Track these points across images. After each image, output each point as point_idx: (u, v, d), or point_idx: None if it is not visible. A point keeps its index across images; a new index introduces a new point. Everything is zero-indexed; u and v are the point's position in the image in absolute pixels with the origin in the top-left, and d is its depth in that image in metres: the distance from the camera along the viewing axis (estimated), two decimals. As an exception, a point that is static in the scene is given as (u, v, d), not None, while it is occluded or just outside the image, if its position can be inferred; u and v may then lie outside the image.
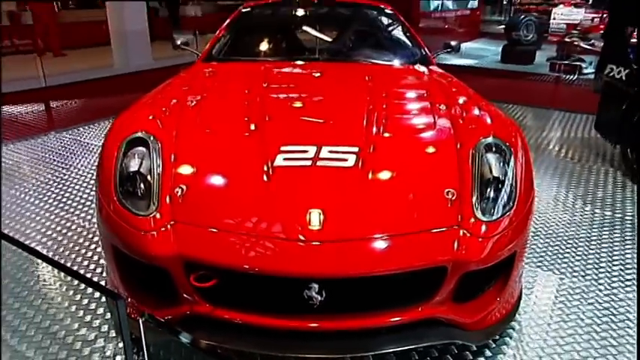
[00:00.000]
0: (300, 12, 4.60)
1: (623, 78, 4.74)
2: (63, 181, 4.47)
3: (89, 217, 3.79)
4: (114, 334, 2.54)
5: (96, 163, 2.59)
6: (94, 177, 4.09)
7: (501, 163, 2.33)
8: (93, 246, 3.37)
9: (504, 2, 21.86)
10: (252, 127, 2.56)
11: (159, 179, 2.23)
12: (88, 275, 3.05)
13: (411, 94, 3.26)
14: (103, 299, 2.77)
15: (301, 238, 1.99)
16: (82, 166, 4.87)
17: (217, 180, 2.31)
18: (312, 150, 2.35)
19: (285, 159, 2.30)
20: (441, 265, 2.03)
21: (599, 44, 10.01)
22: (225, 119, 2.72)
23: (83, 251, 3.32)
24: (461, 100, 2.94)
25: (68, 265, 3.13)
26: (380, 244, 2.02)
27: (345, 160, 2.30)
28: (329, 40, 4.28)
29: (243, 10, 4.48)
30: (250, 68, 3.63)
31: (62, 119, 6.74)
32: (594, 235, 3.61)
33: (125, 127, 2.54)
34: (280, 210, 2.09)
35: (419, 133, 2.65)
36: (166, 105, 2.78)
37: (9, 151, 5.27)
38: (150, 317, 1.92)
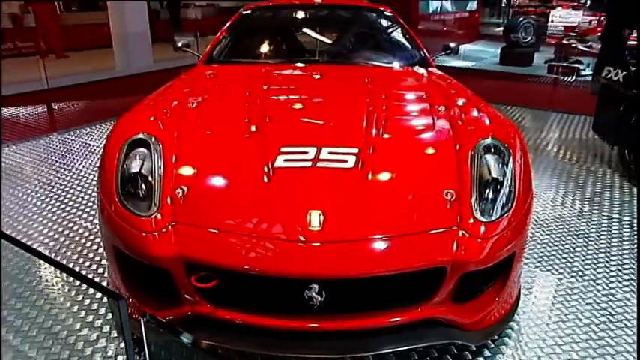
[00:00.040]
0: (300, 14, 4.61)
1: (621, 80, 4.74)
2: (65, 182, 4.47)
3: (91, 217, 3.79)
4: (115, 334, 2.53)
5: (98, 165, 2.58)
6: (95, 178, 4.09)
7: (500, 165, 2.32)
8: (94, 247, 3.37)
9: (503, 5, 21.86)
10: (253, 128, 2.56)
11: (160, 180, 2.23)
12: (90, 276, 3.05)
13: (411, 95, 3.26)
14: (105, 299, 2.76)
15: (301, 238, 1.98)
16: (83, 167, 4.87)
17: (218, 181, 2.30)
18: (312, 151, 2.34)
19: (285, 160, 2.30)
20: (441, 265, 2.03)
21: (597, 46, 10.02)
22: (226, 121, 2.71)
23: (85, 252, 3.32)
24: (460, 102, 2.94)
25: (70, 265, 3.13)
26: (380, 245, 2.02)
27: (345, 161, 2.29)
28: (329, 42, 4.29)
29: (244, 13, 4.48)
30: (251, 70, 3.63)
31: (64, 121, 6.74)
32: (592, 236, 3.61)
33: (127, 128, 2.54)
34: (280, 211, 2.09)
35: (418, 135, 2.65)
36: (167, 107, 2.78)
37: (12, 152, 5.28)
38: (151, 317, 1.92)
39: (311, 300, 1.95)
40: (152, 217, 2.12)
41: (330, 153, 2.34)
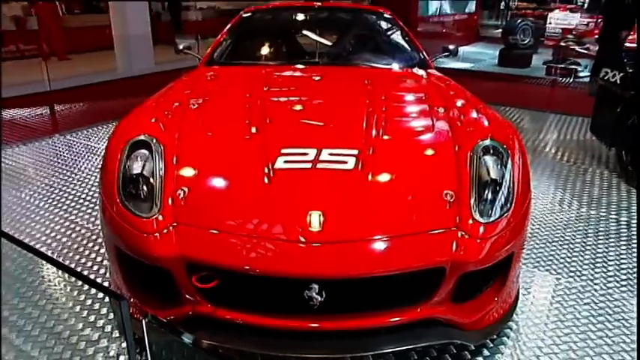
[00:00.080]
0: (300, 17, 4.60)
1: (618, 81, 4.74)
2: (67, 184, 4.47)
3: (93, 218, 3.79)
4: (117, 334, 2.53)
5: (99, 166, 2.58)
6: (97, 179, 4.09)
7: (499, 166, 2.32)
8: (96, 247, 3.37)
9: (501, 7, 21.86)
10: (253, 130, 2.56)
11: (161, 181, 2.23)
12: (92, 276, 3.05)
13: (410, 97, 3.26)
14: (107, 300, 2.76)
15: (301, 239, 1.98)
16: (85, 168, 4.87)
17: (219, 182, 2.30)
18: (312, 152, 2.34)
19: (285, 161, 2.30)
20: (440, 265, 2.03)
21: (594, 48, 10.02)
22: (227, 122, 2.71)
23: (87, 252, 3.32)
24: (459, 103, 2.94)
25: (72, 266, 3.13)
26: (379, 246, 2.02)
27: (345, 162, 2.29)
28: (329, 44, 4.28)
29: (244, 15, 4.48)
30: (251, 72, 3.63)
31: (66, 122, 6.73)
32: (590, 236, 3.61)
33: (128, 130, 2.53)
34: (281, 212, 2.08)
35: (417, 136, 2.65)
36: (169, 108, 2.78)
37: (14, 154, 5.27)
38: (152, 317, 1.92)
39: (311, 300, 1.95)
40: (153, 217, 2.12)
41: (330, 154, 2.34)
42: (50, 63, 9.57)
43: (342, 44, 4.28)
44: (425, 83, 3.49)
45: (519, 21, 12.90)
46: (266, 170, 2.24)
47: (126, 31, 9.91)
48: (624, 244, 3.50)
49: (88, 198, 4.16)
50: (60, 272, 3.06)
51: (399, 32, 4.31)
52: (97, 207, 3.90)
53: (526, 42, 12.49)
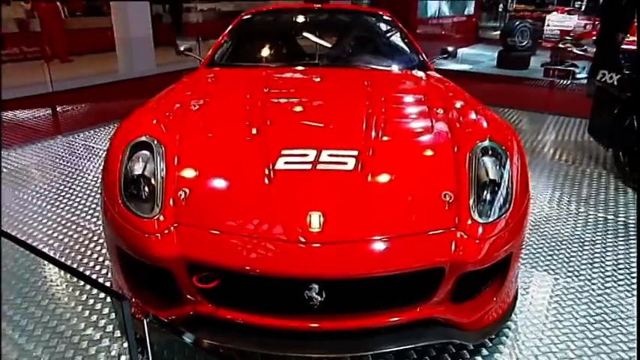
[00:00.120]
0: (301, 19, 4.61)
1: (615, 83, 4.74)
2: (69, 184, 4.47)
3: (94, 219, 3.79)
4: (119, 334, 2.53)
5: (101, 167, 2.58)
6: (99, 180, 4.09)
7: (497, 166, 2.32)
8: (98, 247, 3.37)
9: (500, 9, 21.87)
10: (254, 131, 2.55)
11: (162, 182, 2.23)
12: (94, 276, 3.05)
13: (409, 98, 3.26)
14: (108, 299, 2.76)
15: (302, 240, 1.98)
16: (87, 169, 4.87)
17: (219, 183, 2.30)
18: (312, 154, 2.34)
19: (285, 162, 2.29)
20: (439, 266, 2.03)
21: (592, 50, 10.03)
22: (228, 123, 2.71)
23: (88, 252, 3.32)
24: (458, 105, 2.94)
25: (74, 266, 3.13)
26: (379, 246, 2.02)
27: (345, 163, 2.29)
28: (329, 46, 4.28)
29: (245, 17, 4.48)
30: (252, 73, 3.62)
31: (69, 123, 6.73)
32: (588, 236, 3.61)
33: (130, 131, 2.53)
34: (281, 212, 2.08)
35: (417, 137, 2.65)
36: (170, 110, 2.77)
37: (17, 155, 5.27)
38: (154, 317, 1.91)
39: (311, 300, 1.95)
40: (155, 218, 2.12)
41: (330, 155, 2.34)
42: (52, 65, 9.56)
43: (341, 46, 4.28)
44: (424, 85, 3.49)
45: (517, 23, 12.90)
46: (266, 171, 2.24)
47: (127, 33, 9.91)
48: (622, 245, 3.50)
49: (90, 199, 4.16)
50: (62, 272, 3.05)
51: (398, 34, 4.31)
52: (98, 207, 3.90)
53: (524, 44, 12.50)
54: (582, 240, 3.55)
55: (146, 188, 2.24)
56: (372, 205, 2.13)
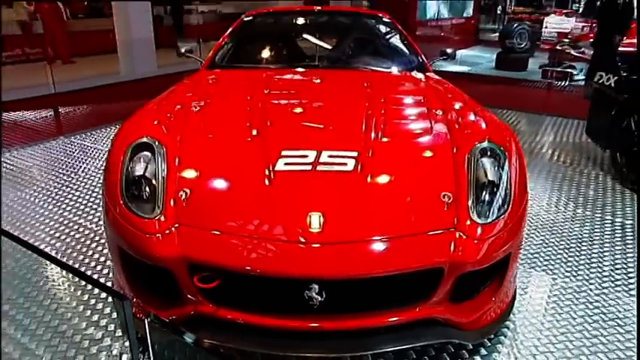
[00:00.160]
0: (301, 21, 4.61)
1: (612, 85, 4.74)
2: (71, 185, 4.47)
3: (96, 219, 3.79)
4: (120, 334, 2.53)
5: (103, 167, 2.58)
6: (100, 181, 4.09)
7: (496, 167, 2.32)
8: (100, 248, 3.36)
9: (498, 11, 21.87)
10: (254, 132, 2.55)
11: (163, 183, 2.23)
12: (95, 276, 3.05)
13: (409, 100, 3.26)
14: (110, 299, 2.76)
15: (302, 240, 1.98)
16: (89, 170, 4.87)
17: (220, 184, 2.30)
18: (312, 155, 2.34)
19: (286, 163, 2.29)
20: (438, 266, 2.03)
21: (589, 52, 10.03)
22: (228, 124, 2.71)
23: (90, 253, 3.31)
24: (457, 106, 2.93)
25: (76, 266, 3.13)
26: (378, 246, 2.01)
27: (345, 164, 2.29)
28: (329, 47, 4.28)
29: (245, 19, 4.48)
30: (252, 75, 3.62)
31: (71, 124, 6.73)
32: (585, 236, 3.60)
33: (131, 132, 2.53)
34: (281, 213, 2.08)
35: (416, 138, 2.65)
36: (171, 111, 2.77)
37: (19, 156, 5.27)
38: (155, 317, 1.91)
39: (311, 300, 1.94)
40: (156, 218, 2.12)
41: (330, 156, 2.33)
42: (54, 66, 9.57)
43: (341, 48, 4.28)
44: (423, 86, 3.49)
45: (516, 25, 12.92)
46: (267, 172, 2.24)
47: (129, 35, 9.92)
48: (619, 245, 3.49)
49: (92, 199, 4.16)
50: (64, 272, 3.05)
51: (397, 36, 4.31)
52: (100, 208, 3.90)
53: (523, 46, 12.51)
54: (580, 240, 3.55)
55: (147, 189, 2.23)
56: (372, 205, 2.13)
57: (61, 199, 4.16)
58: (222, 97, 3.14)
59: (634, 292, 2.94)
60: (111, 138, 2.67)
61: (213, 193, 2.26)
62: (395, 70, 3.82)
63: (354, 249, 1.99)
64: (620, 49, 6.00)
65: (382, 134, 2.54)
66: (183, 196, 2.17)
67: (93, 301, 2.77)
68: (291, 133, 2.61)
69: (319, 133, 2.64)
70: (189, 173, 2.29)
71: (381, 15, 4.65)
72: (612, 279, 3.07)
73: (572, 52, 10.66)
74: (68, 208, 3.98)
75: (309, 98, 3.16)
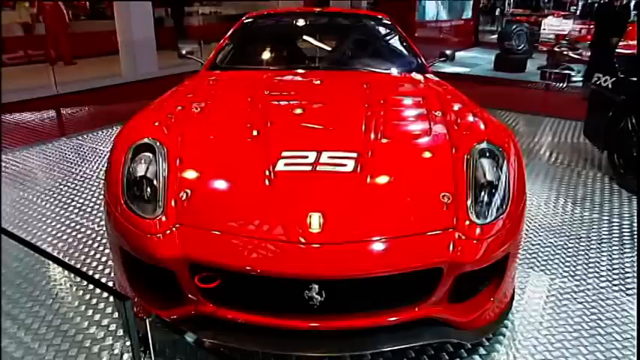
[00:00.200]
0: (301, 22, 4.61)
1: (610, 86, 4.74)
2: (73, 185, 4.46)
3: (98, 219, 3.78)
4: (121, 333, 2.52)
5: (104, 168, 2.58)
6: (102, 181, 4.09)
7: (495, 168, 2.32)
8: (101, 248, 3.36)
9: (497, 13, 21.88)
10: (255, 133, 2.55)
11: (165, 183, 2.22)
12: (97, 276, 3.04)
13: (408, 101, 3.25)
14: (112, 299, 2.75)
15: (302, 240, 1.98)
16: (90, 170, 4.87)
17: (221, 184, 2.30)
18: (312, 155, 2.34)
19: (286, 164, 2.29)
20: (437, 266, 2.02)
21: (587, 53, 10.04)
22: (229, 125, 2.71)
23: (92, 253, 3.31)
24: (456, 107, 2.93)
25: (78, 266, 3.13)
26: (378, 247, 2.01)
27: (345, 165, 2.29)
28: (328, 49, 4.28)
29: (246, 21, 4.48)
30: (252, 76, 3.62)
31: (73, 125, 6.74)
32: (583, 237, 3.60)
33: (132, 133, 2.53)
34: (281, 213, 2.08)
35: (415, 139, 2.65)
36: (172, 112, 2.77)
37: (22, 156, 5.27)
38: (156, 317, 1.91)
39: (311, 300, 1.94)
40: (157, 219, 2.12)
41: (330, 157, 2.33)
42: (57, 68, 9.56)
43: (341, 49, 4.28)
44: (422, 87, 3.49)
45: (514, 27, 12.93)
46: (267, 172, 2.24)
47: (130, 37, 9.92)
48: (616, 245, 3.49)
49: (94, 199, 4.16)
50: (66, 272, 3.05)
51: (397, 37, 4.31)
52: (101, 208, 3.89)
53: (521, 47, 12.53)
54: (578, 240, 3.55)
55: (148, 189, 2.23)
56: (371, 206, 2.13)
57: (63, 199, 4.16)
58: (223, 98, 3.14)
59: (630, 292, 2.94)
60: (112, 139, 2.67)
61: (214, 194, 2.26)
62: (394, 71, 3.82)
63: (354, 249, 1.99)
64: (617, 50, 6.01)
65: (382, 135, 2.54)
66: (184, 197, 2.17)
67: (94, 301, 2.77)
68: (292, 133, 2.61)
69: (319, 133, 2.64)
70: (190, 174, 2.29)
71: (380, 16, 4.65)
72: (609, 279, 3.07)
73: (570, 53, 10.68)
74: (70, 209, 3.98)
75: (309, 99, 3.16)
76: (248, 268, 1.95)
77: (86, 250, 3.35)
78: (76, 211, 3.94)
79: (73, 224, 3.71)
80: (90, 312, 2.69)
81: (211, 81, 3.54)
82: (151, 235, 2.07)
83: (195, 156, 2.39)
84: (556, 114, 7.17)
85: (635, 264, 3.24)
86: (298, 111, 2.97)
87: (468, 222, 2.11)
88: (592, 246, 3.48)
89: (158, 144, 2.38)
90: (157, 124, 2.61)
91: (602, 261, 3.28)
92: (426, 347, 2.42)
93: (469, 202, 2.17)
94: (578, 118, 6.17)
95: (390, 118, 2.78)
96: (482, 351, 2.44)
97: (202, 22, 16.78)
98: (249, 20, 4.49)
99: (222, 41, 4.20)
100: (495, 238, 2.13)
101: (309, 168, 2.27)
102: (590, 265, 3.23)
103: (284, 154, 2.35)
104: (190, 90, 3.27)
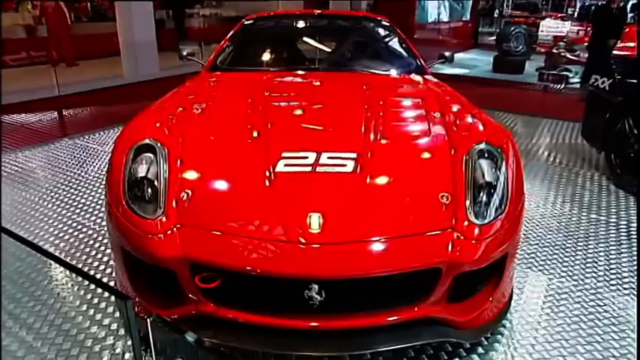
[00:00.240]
0: (301, 24, 4.61)
1: (607, 88, 4.74)
2: (75, 186, 4.46)
3: (99, 220, 3.78)
4: (123, 332, 2.52)
5: (106, 169, 2.58)
6: (103, 182, 4.08)
7: (493, 169, 2.31)
8: (103, 248, 3.36)
9: (495, 15, 21.88)
10: (255, 134, 2.55)
11: (165, 184, 2.22)
12: (98, 276, 3.04)
13: (407, 102, 3.25)
14: (113, 299, 2.75)
15: (302, 240, 1.97)
16: (92, 171, 4.86)
17: (221, 185, 2.29)
18: (312, 156, 2.34)
19: (286, 165, 2.29)
20: (436, 266, 2.02)
21: (585, 55, 10.05)
22: (229, 126, 2.71)
23: (93, 253, 3.31)
24: (454, 108, 2.93)
25: (79, 266, 3.12)
26: (377, 247, 2.01)
27: (344, 165, 2.28)
28: (328, 50, 4.28)
29: (246, 23, 4.48)
30: (253, 77, 3.62)
31: (74, 126, 6.73)
32: (581, 237, 3.60)
33: (133, 134, 2.53)
34: (281, 214, 2.08)
35: (414, 140, 2.64)
36: (173, 113, 2.77)
37: (24, 157, 5.26)
38: (157, 316, 1.91)
39: (311, 300, 1.94)
40: (158, 219, 2.11)
41: (330, 158, 2.33)
42: (59, 69, 9.56)
43: (341, 51, 4.28)
44: (421, 89, 3.48)
45: (513, 29, 12.94)
46: (267, 173, 2.24)
47: (132, 38, 9.91)
48: (613, 245, 3.49)
49: (95, 200, 4.15)
50: (68, 272, 3.05)
51: (396, 39, 4.31)
52: (103, 209, 3.89)
53: (519, 49, 12.54)
54: (575, 241, 3.55)
55: (149, 190, 2.23)
56: (371, 206, 2.13)
57: (65, 199, 4.16)
58: (224, 100, 3.14)
59: (627, 292, 2.94)
60: (114, 139, 2.67)
61: (215, 194, 2.25)
62: (393, 72, 3.82)
63: (354, 249, 1.99)
64: (614, 52, 6.02)
65: (381, 136, 2.54)
66: (185, 197, 2.17)
67: (96, 300, 2.77)
68: (291, 134, 2.61)
69: (319, 134, 2.64)
70: (191, 174, 2.28)
71: (379, 18, 4.65)
72: (606, 279, 3.07)
73: (568, 55, 10.69)
74: (72, 209, 3.97)
75: (308, 100, 3.16)
76: (248, 268, 1.95)
77: (88, 250, 3.35)
78: (77, 211, 3.94)
79: (74, 224, 3.71)
80: (91, 311, 2.69)
81: (212, 82, 3.54)
82: (151, 236, 2.07)
83: (195, 157, 2.39)
84: (554, 115, 7.17)
85: (633, 263, 3.24)
86: (298, 112, 2.97)
87: (466, 222, 2.11)
88: (590, 246, 3.48)
89: (159, 145, 2.38)
90: (158, 125, 2.61)
91: (600, 261, 3.28)
92: (425, 347, 2.42)
93: (468, 202, 2.17)
94: (576, 119, 6.16)
95: (389, 119, 2.78)
96: (480, 350, 2.43)
97: (203, 24, 16.77)
98: (250, 22, 4.49)
99: (222, 43, 4.19)
100: (494, 238, 2.12)
101: (308, 169, 2.27)
102: (588, 264, 3.23)
103: (284, 154, 2.35)
104: (191, 91, 3.27)
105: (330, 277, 1.95)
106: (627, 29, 7.40)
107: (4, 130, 6.23)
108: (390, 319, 2.06)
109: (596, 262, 3.25)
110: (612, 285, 3.01)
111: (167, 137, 2.46)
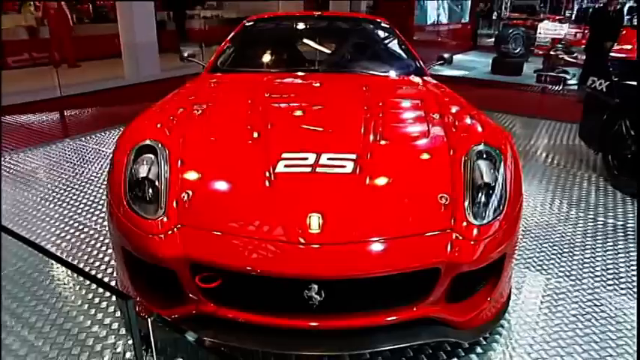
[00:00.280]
0: (301, 26, 4.60)
1: (604, 89, 4.75)
2: (76, 186, 4.46)
3: (100, 220, 3.78)
4: (124, 332, 2.52)
5: (107, 169, 2.58)
6: (105, 182, 4.08)
7: (492, 170, 2.31)
8: (104, 248, 3.36)
9: (494, 17, 21.89)
10: (255, 134, 2.55)
11: (166, 184, 2.22)
12: (99, 275, 3.04)
13: (406, 103, 3.25)
14: (114, 298, 2.75)
15: (301, 240, 1.97)
16: (93, 171, 4.86)
17: (222, 185, 2.29)
18: (311, 157, 2.33)
19: (286, 165, 2.29)
20: (435, 266, 2.02)
21: (582, 57, 10.07)
22: (229, 127, 2.70)
23: (95, 253, 3.30)
24: (453, 110, 2.93)
25: (81, 265, 3.12)
26: (377, 247, 2.01)
27: (344, 166, 2.28)
28: (328, 52, 4.28)
29: (247, 24, 4.48)
30: (253, 79, 3.62)
31: (76, 127, 6.74)
32: (578, 238, 3.60)
33: (135, 134, 2.53)
34: (281, 214, 2.07)
35: (414, 141, 2.64)
36: (173, 114, 2.77)
37: (26, 157, 5.26)
38: (158, 316, 1.91)
39: (310, 300, 1.94)
40: (159, 219, 2.11)
41: (329, 158, 2.33)
42: (61, 70, 9.55)
43: (340, 52, 4.28)
44: (421, 90, 3.48)
45: (511, 31, 12.94)
46: (267, 174, 2.23)
47: (133, 40, 9.91)
48: (610, 245, 3.49)
49: (96, 200, 4.15)
50: (69, 272, 3.05)
51: (395, 41, 4.31)
52: (104, 209, 3.89)
53: (517, 51, 12.55)
54: (573, 241, 3.55)
55: (150, 190, 2.23)
56: (370, 207, 2.13)
57: (67, 200, 4.16)
58: (224, 101, 3.14)
59: (624, 292, 2.94)
60: (115, 140, 2.67)
61: (215, 195, 2.25)
62: (393, 74, 3.82)
63: (353, 249, 1.99)
64: (611, 54, 6.02)
65: (380, 137, 2.54)
66: (186, 198, 2.17)
67: (97, 300, 2.77)
68: (291, 135, 2.60)
69: (319, 135, 2.63)
70: (192, 175, 2.28)
71: (379, 20, 4.65)
72: (604, 279, 3.07)
73: (566, 57, 10.71)
74: (73, 209, 3.97)
75: (308, 101, 3.16)
76: (248, 268, 1.95)
77: (89, 250, 3.34)
78: (79, 211, 3.94)
79: (76, 224, 3.71)
80: (93, 311, 2.69)
81: (212, 83, 3.54)
82: (152, 236, 2.07)
83: (196, 157, 2.38)
84: (552, 116, 7.17)
85: (630, 263, 3.24)
86: (298, 113, 2.97)
87: (465, 223, 2.11)
88: (587, 246, 3.48)
89: (160, 145, 2.37)
90: (158, 125, 2.61)
91: (597, 261, 3.28)
92: (424, 346, 2.41)
93: (466, 203, 2.17)
94: (574, 121, 6.16)
95: (388, 120, 2.78)
96: (479, 350, 2.43)
97: (204, 26, 16.77)
98: (250, 23, 4.48)
99: (223, 44, 4.19)
100: (492, 238, 2.12)
101: (308, 169, 2.26)
102: (586, 265, 3.23)
103: (284, 155, 2.35)
104: (192, 92, 3.27)
105: (330, 277, 1.95)
106: (624, 32, 7.40)
107: (7, 130, 6.23)
108: (389, 319, 2.06)
109: (593, 263, 3.26)
110: (609, 285, 3.01)
111: (168, 138, 2.46)
